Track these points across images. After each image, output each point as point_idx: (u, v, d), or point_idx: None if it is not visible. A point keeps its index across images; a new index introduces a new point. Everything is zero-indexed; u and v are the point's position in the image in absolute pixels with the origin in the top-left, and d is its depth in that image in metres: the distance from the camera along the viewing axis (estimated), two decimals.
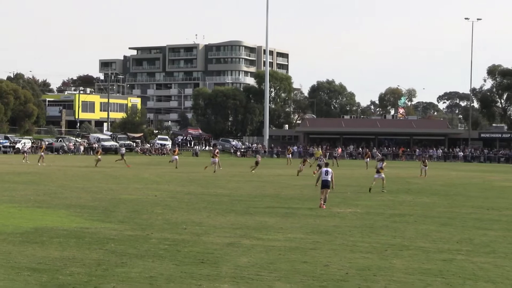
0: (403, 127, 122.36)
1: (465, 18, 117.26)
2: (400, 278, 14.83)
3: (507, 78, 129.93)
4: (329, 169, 30.12)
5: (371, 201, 33.05)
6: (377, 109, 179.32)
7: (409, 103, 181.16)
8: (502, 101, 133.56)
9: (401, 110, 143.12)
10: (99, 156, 61.86)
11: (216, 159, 55.65)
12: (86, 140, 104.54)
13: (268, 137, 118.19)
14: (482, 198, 36.70)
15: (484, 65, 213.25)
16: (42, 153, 64.91)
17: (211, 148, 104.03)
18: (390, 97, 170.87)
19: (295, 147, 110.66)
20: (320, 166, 44.01)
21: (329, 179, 29.50)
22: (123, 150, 67.97)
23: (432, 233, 21.84)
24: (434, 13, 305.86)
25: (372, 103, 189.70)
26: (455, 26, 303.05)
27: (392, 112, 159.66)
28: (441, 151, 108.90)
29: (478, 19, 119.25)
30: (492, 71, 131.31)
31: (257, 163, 56.40)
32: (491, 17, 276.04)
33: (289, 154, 77.97)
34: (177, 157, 62.38)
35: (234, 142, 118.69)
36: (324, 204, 29.20)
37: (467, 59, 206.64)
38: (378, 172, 39.66)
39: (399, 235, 21.32)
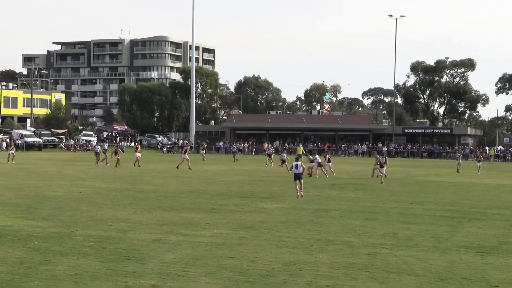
0: (328, 123, 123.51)
1: (389, 15, 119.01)
2: (326, 273, 14.95)
3: (429, 74, 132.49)
4: (300, 163, 32.60)
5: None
6: (303, 105, 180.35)
7: (334, 99, 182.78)
8: (425, 97, 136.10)
9: (326, 106, 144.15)
10: (118, 157, 58.06)
11: (187, 155, 55.97)
12: (8, 136, 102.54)
13: (194, 133, 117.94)
14: (405, 192, 37.29)
15: (407, 61, 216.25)
16: None
17: (135, 143, 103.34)
18: (315, 93, 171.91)
19: (221, 143, 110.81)
20: (283, 161, 46.48)
21: (301, 171, 32.31)
22: (98, 148, 64.26)
23: (357, 228, 22.09)
24: (359, 10, 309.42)
25: (298, 99, 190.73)
26: (379, 23, 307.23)
27: (318, 108, 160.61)
28: (365, 146, 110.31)
29: (401, 16, 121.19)
30: (415, 68, 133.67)
31: (283, 161, 53.64)
32: (414, 15, 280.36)
33: (202, 150, 77.90)
34: (187, 156, 56.77)
35: (160, 138, 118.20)
36: (301, 192, 32.06)
37: (391, 55, 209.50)
38: (382, 166, 43.79)
39: (324, 230, 21.50)
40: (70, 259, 16.00)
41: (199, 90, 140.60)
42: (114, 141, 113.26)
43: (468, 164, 72.93)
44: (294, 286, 13.76)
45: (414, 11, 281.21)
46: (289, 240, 19.23)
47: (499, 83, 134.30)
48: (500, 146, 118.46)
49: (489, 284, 14.29)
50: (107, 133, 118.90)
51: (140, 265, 15.41)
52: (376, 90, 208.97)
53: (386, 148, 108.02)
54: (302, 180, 32.48)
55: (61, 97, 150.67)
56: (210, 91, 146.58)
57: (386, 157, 46.32)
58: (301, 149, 72.19)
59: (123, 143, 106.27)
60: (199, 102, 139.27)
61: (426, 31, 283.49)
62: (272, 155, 66.48)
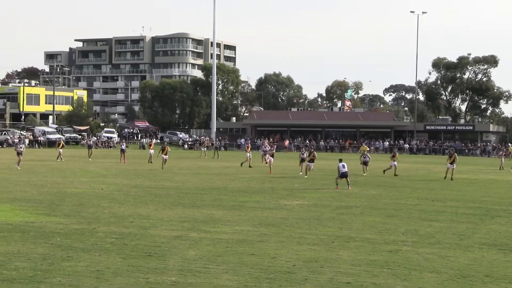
0: (349, 120, 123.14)
1: (411, 12, 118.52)
2: (347, 270, 14.95)
3: (451, 71, 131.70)
4: (344, 163, 36.04)
5: (318, 193, 33.24)
6: (324, 102, 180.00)
7: (356, 96, 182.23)
8: (447, 93, 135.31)
9: (347, 103, 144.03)
10: (166, 156, 52.25)
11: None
12: (31, 133, 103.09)
13: (215, 130, 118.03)
14: (427, 189, 37.16)
15: (429, 58, 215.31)
16: None
17: (159, 140, 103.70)
18: (337, 90, 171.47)
19: (242, 140, 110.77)
20: (303, 160, 45.62)
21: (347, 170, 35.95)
22: (124, 146, 64.14)
23: (378, 225, 22.05)
24: (380, 6, 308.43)
25: (319, 95, 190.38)
26: (401, 19, 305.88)
27: (339, 104, 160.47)
28: (387, 143, 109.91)
29: (423, 13, 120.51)
30: (437, 64, 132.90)
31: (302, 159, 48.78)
32: (436, 11, 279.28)
33: (204, 147, 76.96)
34: (166, 157, 52.42)
35: (181, 135, 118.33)
36: (349, 186, 35.48)
37: (412, 52, 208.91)
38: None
39: (345, 226, 21.48)
40: (92, 255, 16.08)
41: (220, 87, 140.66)
42: (135, 138, 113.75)
43: (491, 161, 72.46)
44: (315, 282, 13.76)
45: (436, 7, 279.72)
46: (310, 237, 19.23)
47: None
48: None
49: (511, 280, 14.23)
50: (128, 130, 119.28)
51: (162, 261, 15.47)
52: (397, 87, 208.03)
53: (407, 145, 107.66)
54: (348, 178, 35.89)
55: (83, 94, 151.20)
56: (231, 88, 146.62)
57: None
58: (365, 147, 71.38)
59: (144, 140, 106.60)
60: (220, 99, 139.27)
61: (448, 27, 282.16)
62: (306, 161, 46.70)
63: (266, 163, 51.96)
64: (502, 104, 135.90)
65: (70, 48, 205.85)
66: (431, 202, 29.94)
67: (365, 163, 48.40)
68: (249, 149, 58.06)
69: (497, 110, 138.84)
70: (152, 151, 59.83)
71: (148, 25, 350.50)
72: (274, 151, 54.55)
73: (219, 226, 21.01)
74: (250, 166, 53.44)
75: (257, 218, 23.21)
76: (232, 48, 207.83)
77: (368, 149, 71.64)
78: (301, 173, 44.27)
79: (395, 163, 48.44)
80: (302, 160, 46.20)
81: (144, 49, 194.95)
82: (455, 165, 45.75)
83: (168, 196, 30.33)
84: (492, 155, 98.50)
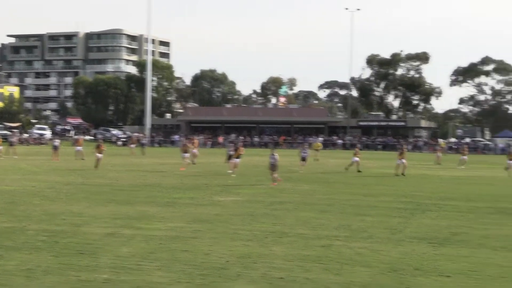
0: (284, 116, 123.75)
1: (345, 8, 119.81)
2: (280, 265, 14.99)
3: (384, 67, 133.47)
4: (276, 155, 36.36)
5: (252, 189, 33.32)
6: (259, 98, 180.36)
7: (290, 92, 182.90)
8: (380, 89, 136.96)
9: (282, 99, 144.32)
10: (100, 155, 48.09)
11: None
12: None
13: (150, 126, 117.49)
14: (360, 185, 37.54)
15: (363, 55, 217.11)
16: None
17: (93, 137, 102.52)
18: (271, 86, 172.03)
19: (176, 136, 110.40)
20: (230, 157, 44.51)
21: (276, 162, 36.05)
22: (56, 142, 62.75)
23: (311, 220, 22.17)
24: (315, 3, 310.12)
25: (254, 92, 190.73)
26: (335, 16, 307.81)
27: (274, 101, 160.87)
28: (321, 139, 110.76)
29: (357, 9, 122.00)
30: (371, 61, 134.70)
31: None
32: (370, 8, 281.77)
33: (132, 144, 76.03)
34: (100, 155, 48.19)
35: (115, 131, 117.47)
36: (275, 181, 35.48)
37: (347, 48, 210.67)
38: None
39: (279, 222, 21.55)
40: (22, 254, 15.82)
41: (154, 83, 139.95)
42: (67, 135, 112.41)
43: (423, 156, 73.55)
44: (248, 278, 13.76)
45: (370, 4, 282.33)
46: (244, 233, 19.24)
47: (452, 76, 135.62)
48: (453, 138, 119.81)
49: (441, 274, 14.45)
50: (61, 127, 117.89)
51: (94, 259, 15.29)
52: (331, 83, 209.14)
53: (341, 141, 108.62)
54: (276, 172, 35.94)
55: (14, 90, 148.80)
56: (165, 84, 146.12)
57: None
58: (319, 144, 71.44)
59: (77, 136, 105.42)
60: (155, 95, 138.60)
61: (382, 24, 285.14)
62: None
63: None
64: (433, 100, 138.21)
65: (2, 44, 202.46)
66: (363, 197, 30.25)
67: (303, 159, 48.18)
68: (195, 145, 57.86)
69: (428, 106, 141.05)
70: (79, 148, 59.32)
71: (82, 20, 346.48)
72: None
73: (152, 223, 20.89)
74: (194, 163, 53.05)
75: (191, 214, 23.13)
76: (166, 44, 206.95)
77: (321, 146, 72.13)
78: (230, 171, 43.70)
79: (357, 159, 48.74)
80: (229, 157, 45.14)
81: (78, 45, 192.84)
82: (405, 160, 46.30)
83: (101, 193, 30.03)
84: (424, 150, 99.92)
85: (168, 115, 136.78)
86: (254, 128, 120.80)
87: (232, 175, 41.24)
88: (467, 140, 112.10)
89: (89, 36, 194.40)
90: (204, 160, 57.67)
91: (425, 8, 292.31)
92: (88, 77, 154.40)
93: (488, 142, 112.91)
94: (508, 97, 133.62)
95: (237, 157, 43.09)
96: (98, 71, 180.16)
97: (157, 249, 16.56)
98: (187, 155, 49.59)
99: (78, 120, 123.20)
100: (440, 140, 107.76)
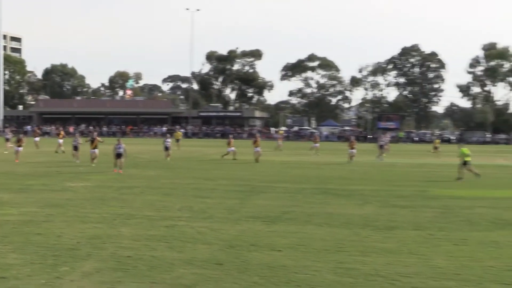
0: (130, 107, 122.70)
1: (186, 9, 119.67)
2: (128, 244, 14.89)
3: (222, 63, 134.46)
4: (122, 145, 35.83)
5: (102, 175, 32.84)
6: (107, 91, 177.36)
7: (136, 85, 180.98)
8: (218, 83, 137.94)
9: (128, 92, 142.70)
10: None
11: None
12: None
13: (2, 118, 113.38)
14: (201, 170, 37.73)
15: (203, 51, 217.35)
16: None
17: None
18: (119, 80, 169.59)
19: (28, 127, 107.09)
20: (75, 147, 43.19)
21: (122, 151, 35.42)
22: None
23: (156, 203, 22.12)
24: (158, 2, 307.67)
25: (103, 85, 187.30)
26: (178, 15, 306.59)
27: (121, 93, 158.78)
28: (165, 128, 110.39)
29: (197, 10, 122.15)
30: (210, 57, 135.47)
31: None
32: (210, 7, 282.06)
33: None
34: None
35: None
36: (120, 170, 34.64)
37: (188, 45, 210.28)
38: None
39: (127, 205, 21.38)
40: None
41: (7, 76, 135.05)
42: None
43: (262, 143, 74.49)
44: (97, 257, 13.60)
45: (210, 4, 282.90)
46: (94, 216, 18.97)
47: (282, 71, 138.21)
48: (284, 127, 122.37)
49: (273, 249, 14.75)
50: None
51: None
52: (174, 77, 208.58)
53: (184, 130, 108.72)
54: (122, 159, 35.37)
55: None
56: (18, 78, 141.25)
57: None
58: (179, 133, 70.30)
59: None
60: (7, 88, 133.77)
61: (220, 22, 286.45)
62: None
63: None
64: (266, 92, 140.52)
65: None
66: (204, 181, 30.43)
67: (166, 148, 47.55)
68: (61, 135, 56.06)
69: (261, 98, 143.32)
70: None
71: None
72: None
73: (5, 209, 20.20)
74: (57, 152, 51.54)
75: (43, 199, 22.55)
76: (18, 40, 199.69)
77: (181, 135, 71.43)
78: (78, 161, 42.46)
79: (233, 148, 48.38)
80: (75, 147, 44.04)
81: None
82: (260, 148, 46.64)
83: None
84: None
85: (20, 107, 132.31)
86: (103, 119, 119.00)
87: (93, 164, 39.68)
88: (296, 128, 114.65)
89: None
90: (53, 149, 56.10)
91: (262, 9, 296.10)
92: None
93: (314, 131, 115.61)
94: (331, 90, 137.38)
95: (94, 148, 41.48)
96: None
97: (11, 233, 16.06)
98: (20, 149, 44.80)
99: None
100: (280, 129, 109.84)
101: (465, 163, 34.29)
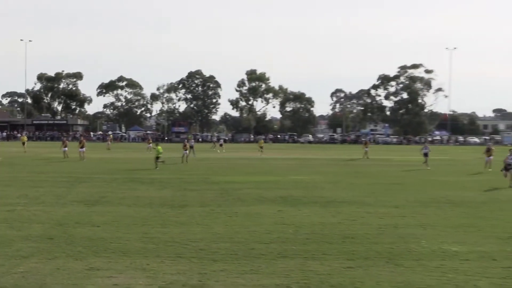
0: None
1: (21, 40, 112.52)
2: None
3: (51, 82, 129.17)
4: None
5: None
6: None
7: None
8: (48, 98, 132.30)
9: None
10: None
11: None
12: None
13: None
14: (35, 166, 35.81)
15: (36, 72, 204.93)
16: None
17: None
18: None
19: None
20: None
21: None
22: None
23: (0, 193, 20.80)
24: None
25: None
26: (12, 45, 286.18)
27: None
28: (5, 134, 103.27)
29: (30, 41, 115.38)
30: (40, 77, 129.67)
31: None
32: (39, 38, 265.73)
33: None
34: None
35: None
36: None
37: (22, 67, 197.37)
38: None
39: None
40: None
41: None
42: None
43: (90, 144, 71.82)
44: None
45: (40, 34, 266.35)
46: None
47: (98, 89, 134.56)
48: (100, 131, 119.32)
49: (94, 225, 14.46)
50: None
51: None
52: (12, 93, 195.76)
53: (20, 135, 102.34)
54: None
55: None
56: None
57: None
58: (25, 137, 63.60)
59: None
60: None
61: (50, 49, 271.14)
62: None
63: None
64: (86, 105, 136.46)
65: None
66: (37, 174, 29.02)
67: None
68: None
69: (82, 110, 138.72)
70: None
71: None
72: None
73: None
74: None
75: None
76: None
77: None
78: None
79: (187, 152, 41.34)
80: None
81: None
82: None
83: None
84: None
85: None
86: None
87: None
88: (110, 132, 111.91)
89: None
90: None
91: (87, 40, 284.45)
92: None
93: (124, 134, 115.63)
94: (136, 103, 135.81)
95: None
96: None
97: None
98: None
99: None
100: (109, 133, 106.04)
101: (157, 158, 34.89)
